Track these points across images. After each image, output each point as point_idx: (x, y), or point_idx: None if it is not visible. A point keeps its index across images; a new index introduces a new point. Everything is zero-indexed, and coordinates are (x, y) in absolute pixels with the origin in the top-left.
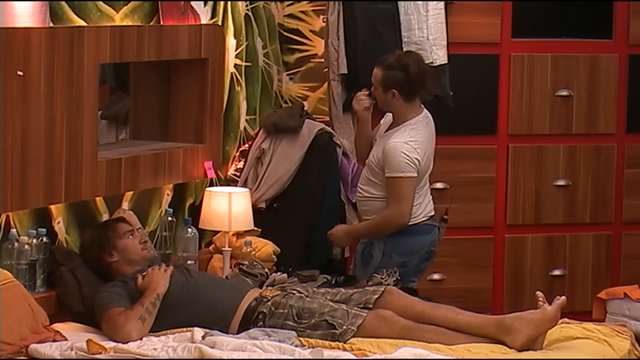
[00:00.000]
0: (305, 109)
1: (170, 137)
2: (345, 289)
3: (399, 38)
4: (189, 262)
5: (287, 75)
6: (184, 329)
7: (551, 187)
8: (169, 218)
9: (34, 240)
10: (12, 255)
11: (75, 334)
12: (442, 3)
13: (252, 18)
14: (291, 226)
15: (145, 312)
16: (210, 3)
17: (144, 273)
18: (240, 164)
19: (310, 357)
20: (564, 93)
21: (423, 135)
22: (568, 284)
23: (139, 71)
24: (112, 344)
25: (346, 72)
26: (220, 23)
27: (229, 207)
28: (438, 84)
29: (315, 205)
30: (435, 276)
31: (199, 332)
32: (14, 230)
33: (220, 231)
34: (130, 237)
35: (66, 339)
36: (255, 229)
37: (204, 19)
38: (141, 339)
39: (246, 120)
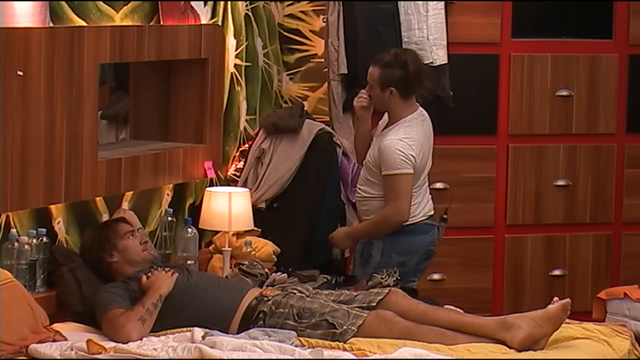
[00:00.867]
0: (305, 109)
1: (170, 137)
2: (346, 289)
3: (399, 38)
4: (189, 262)
5: (287, 75)
6: (184, 329)
7: (551, 187)
8: (169, 218)
9: (34, 240)
10: (12, 255)
11: (75, 334)
12: (442, 3)
13: (252, 18)
14: (291, 226)
15: (146, 312)
16: (210, 3)
17: (148, 273)
18: (240, 164)
19: (310, 357)
20: (564, 93)
21: (418, 132)
22: (568, 284)
23: (139, 71)
24: (112, 344)
25: (346, 72)
26: (220, 23)
27: (229, 207)
28: (438, 84)
29: (315, 205)
30: (435, 276)
31: (199, 332)
32: (14, 230)
33: (220, 231)
34: (131, 237)
35: (66, 339)
36: (255, 229)
37: (204, 19)
38: (141, 339)
39: (246, 120)
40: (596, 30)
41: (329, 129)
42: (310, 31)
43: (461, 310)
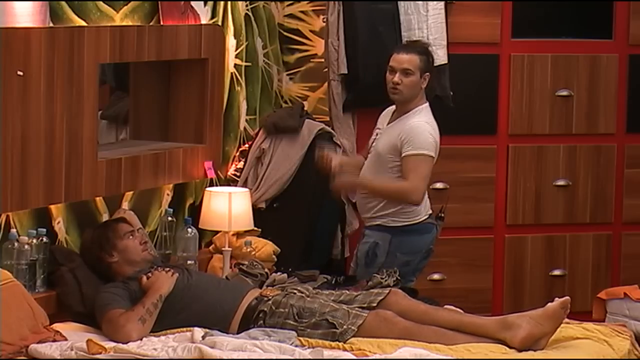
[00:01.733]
0: (305, 109)
1: (170, 137)
2: (346, 289)
3: (399, 38)
4: (189, 262)
5: (287, 75)
6: (184, 329)
7: (551, 187)
8: (169, 218)
9: (34, 240)
10: (12, 255)
11: (75, 334)
12: (442, 3)
13: (252, 18)
14: (291, 226)
15: (146, 313)
16: (210, 3)
17: (149, 273)
18: (240, 164)
19: (310, 357)
20: (564, 93)
21: (435, 122)
22: (568, 284)
23: (139, 71)
24: (112, 344)
25: (346, 72)
26: (220, 23)
27: (229, 207)
28: (438, 84)
29: (315, 205)
30: (435, 276)
31: (199, 332)
32: (14, 230)
33: (220, 231)
34: (131, 237)
35: (66, 339)
36: (255, 229)
37: (204, 19)
38: (141, 339)
39: (246, 120)
40: (596, 30)
41: (329, 129)
42: (310, 31)
43: (461, 310)
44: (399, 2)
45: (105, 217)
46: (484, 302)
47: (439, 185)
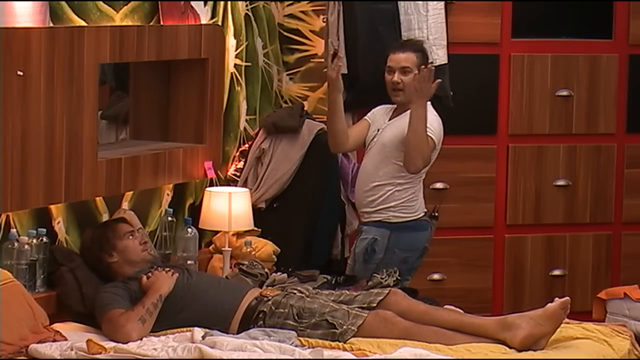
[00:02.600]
0: (305, 109)
1: (170, 137)
2: (346, 289)
3: (399, 38)
4: (188, 262)
5: (287, 75)
6: (184, 329)
7: (551, 187)
8: (169, 218)
9: (34, 240)
10: (12, 255)
11: (75, 334)
12: (442, 3)
13: (252, 18)
14: (291, 226)
15: (146, 313)
16: (210, 3)
17: (149, 273)
18: (240, 164)
19: (310, 357)
20: (564, 93)
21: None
22: (568, 284)
23: (139, 71)
24: (112, 344)
25: (346, 72)
26: (220, 23)
27: (229, 207)
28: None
29: (315, 205)
30: (435, 276)
31: (199, 332)
32: (14, 230)
33: (220, 231)
34: (131, 237)
35: (66, 339)
36: (255, 229)
37: (204, 19)
38: (141, 339)
39: (246, 120)
40: (596, 30)
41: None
42: (310, 31)
43: (461, 311)
44: (399, 2)
45: (105, 217)
46: (483, 302)
47: (438, 185)
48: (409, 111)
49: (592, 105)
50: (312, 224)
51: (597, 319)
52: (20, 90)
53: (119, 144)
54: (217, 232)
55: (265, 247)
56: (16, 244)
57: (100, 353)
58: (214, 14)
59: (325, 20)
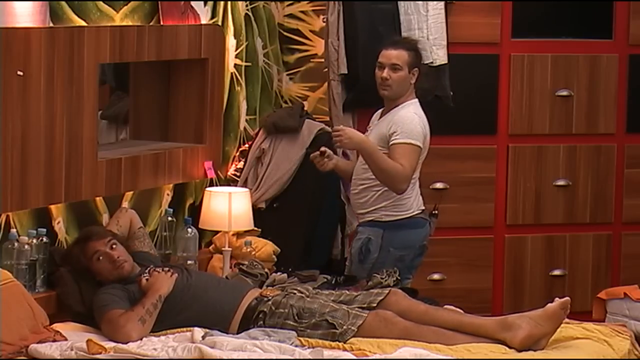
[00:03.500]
0: (305, 109)
1: (170, 137)
2: (346, 289)
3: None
4: (188, 262)
5: (287, 75)
6: (184, 329)
7: (551, 187)
8: (169, 218)
9: (34, 240)
10: (12, 255)
11: (75, 334)
12: (442, 3)
13: (252, 18)
14: (291, 226)
15: (146, 313)
16: (210, 3)
17: (146, 276)
18: (240, 164)
19: (310, 357)
20: (564, 93)
21: (424, 115)
22: (568, 284)
23: (139, 71)
24: (112, 344)
25: (346, 72)
26: (220, 23)
27: (229, 207)
28: (438, 84)
29: (315, 206)
30: (435, 276)
31: (199, 332)
32: (14, 230)
33: (220, 231)
34: (100, 259)
35: (66, 339)
36: (255, 229)
37: (204, 19)
38: (141, 339)
39: (246, 120)
40: (596, 30)
41: (329, 129)
42: (310, 31)
43: (461, 311)
44: (399, 2)
45: (105, 217)
46: (484, 302)
47: (439, 185)
48: (396, 108)
49: (592, 105)
50: (312, 224)
51: (597, 319)
52: (20, 90)
53: (119, 144)
54: (217, 232)
55: (265, 247)
56: (16, 244)
57: (100, 353)
58: (214, 14)
59: (325, 20)
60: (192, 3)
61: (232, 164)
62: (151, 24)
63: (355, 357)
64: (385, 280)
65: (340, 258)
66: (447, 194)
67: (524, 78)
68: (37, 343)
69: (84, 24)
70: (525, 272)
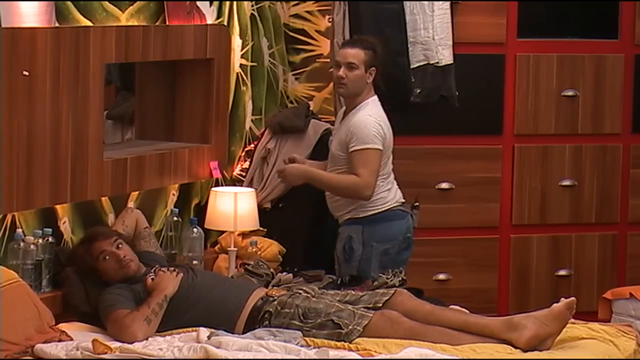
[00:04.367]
0: (311, 109)
1: (176, 137)
2: (351, 289)
3: (405, 38)
4: (194, 262)
5: (293, 75)
6: (190, 329)
7: (557, 187)
8: (175, 218)
9: (40, 240)
10: (17, 255)
11: (80, 334)
12: (448, 3)
13: (258, 18)
14: (296, 226)
15: (152, 313)
16: (215, 3)
17: (152, 275)
18: (246, 164)
19: (316, 357)
20: (570, 93)
21: (383, 113)
22: (574, 284)
23: (145, 71)
24: (118, 344)
25: None
26: (225, 23)
27: (234, 207)
28: (444, 84)
29: (321, 206)
30: (441, 276)
31: (204, 332)
32: (19, 230)
33: (226, 231)
34: (107, 258)
35: (72, 339)
36: (261, 229)
37: (210, 19)
38: (147, 339)
39: (252, 120)
40: (602, 30)
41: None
42: (316, 31)
43: (467, 311)
44: (404, 2)
45: (111, 217)
46: (489, 302)
47: (444, 185)
48: (353, 110)
49: (597, 105)
50: (318, 224)
51: (602, 319)
52: (26, 90)
53: (124, 144)
54: (222, 232)
55: (271, 247)
56: (22, 244)
57: (106, 353)
58: (219, 14)
59: (330, 20)
60: (198, 3)
61: (237, 164)
62: (157, 24)
63: (360, 357)
64: (391, 280)
65: None
66: (453, 194)
67: (530, 78)
68: (43, 343)
69: (89, 24)
70: (531, 272)
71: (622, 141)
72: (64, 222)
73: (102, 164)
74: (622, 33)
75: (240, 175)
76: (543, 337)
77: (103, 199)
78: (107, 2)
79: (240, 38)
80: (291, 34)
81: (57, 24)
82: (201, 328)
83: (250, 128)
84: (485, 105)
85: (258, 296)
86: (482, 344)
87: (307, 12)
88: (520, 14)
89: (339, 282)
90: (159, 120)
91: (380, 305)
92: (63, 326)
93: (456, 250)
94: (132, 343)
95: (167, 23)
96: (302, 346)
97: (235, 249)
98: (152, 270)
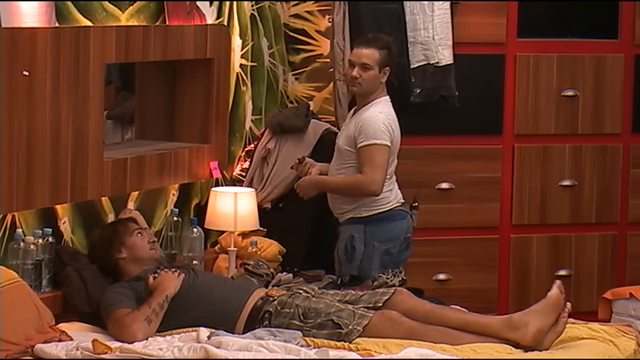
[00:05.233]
0: (311, 109)
1: (176, 137)
2: (351, 289)
3: (405, 38)
4: (194, 262)
5: (293, 75)
6: (190, 329)
7: (557, 187)
8: (175, 218)
9: (40, 240)
10: (18, 255)
11: (81, 334)
12: (448, 3)
13: (258, 18)
14: (296, 226)
15: (152, 313)
16: (215, 3)
17: (155, 275)
18: (246, 164)
19: (316, 357)
20: (570, 93)
21: (393, 112)
22: (574, 284)
23: (145, 71)
24: (118, 344)
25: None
26: (225, 23)
27: (234, 207)
28: (444, 84)
29: (321, 206)
30: (441, 276)
31: (204, 332)
32: (19, 230)
33: (226, 231)
34: (139, 235)
35: (72, 339)
36: (261, 229)
37: (210, 19)
38: (147, 339)
39: (252, 120)
40: (602, 30)
41: (335, 129)
42: (316, 31)
43: (467, 310)
44: (404, 2)
45: (111, 217)
46: (489, 302)
47: (444, 185)
48: (364, 107)
49: (597, 105)
50: (318, 224)
51: (602, 319)
52: (26, 90)
53: (124, 144)
54: (222, 232)
55: (271, 247)
56: (22, 244)
57: (106, 353)
58: (219, 14)
59: (330, 20)
60: (198, 3)
61: (237, 164)
62: (157, 24)
63: (360, 357)
64: (391, 280)
65: None
66: (453, 194)
67: (530, 78)
68: (43, 343)
69: (89, 24)
70: (531, 272)
71: (622, 141)
72: (64, 222)
73: (102, 164)
74: (622, 33)
75: (240, 175)
76: (546, 328)
77: (103, 199)
78: (107, 2)
79: (240, 38)
80: (291, 34)
81: (57, 24)
82: (201, 328)
83: (250, 128)
84: (485, 105)
85: (258, 296)
86: (483, 343)
87: (307, 12)
88: (520, 14)
89: (339, 282)
90: (159, 120)
91: (380, 305)
92: (63, 326)
93: (456, 250)
94: (132, 343)
95: (167, 23)
96: (302, 346)
97: (235, 249)
98: (155, 270)
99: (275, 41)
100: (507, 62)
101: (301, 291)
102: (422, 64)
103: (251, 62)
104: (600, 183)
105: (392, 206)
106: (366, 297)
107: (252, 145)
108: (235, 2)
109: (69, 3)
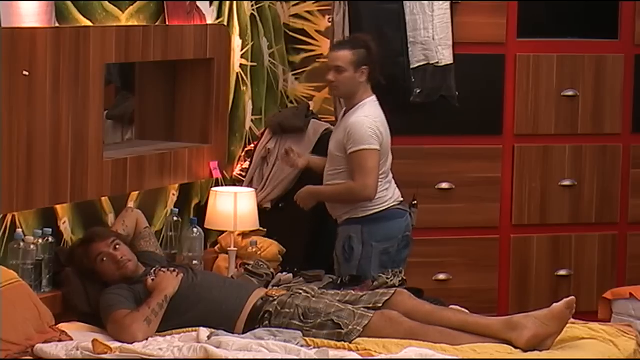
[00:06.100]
0: (311, 109)
1: (176, 137)
2: (351, 289)
3: (405, 38)
4: (194, 262)
5: (293, 75)
6: (190, 329)
7: (557, 187)
8: (175, 218)
9: (40, 240)
10: (18, 255)
11: (81, 334)
12: (448, 3)
13: (258, 18)
14: (296, 226)
15: (152, 313)
16: (216, 3)
17: (152, 276)
18: (246, 164)
19: (316, 357)
20: (570, 93)
21: (381, 113)
22: (574, 284)
23: (145, 71)
24: (118, 344)
25: None
26: (226, 23)
27: (234, 207)
28: (444, 84)
29: (321, 206)
30: (441, 276)
31: (204, 332)
32: (19, 230)
33: (226, 231)
34: (104, 260)
35: (72, 339)
36: (261, 229)
37: (210, 19)
38: (147, 339)
39: (252, 120)
40: (602, 30)
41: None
42: (316, 31)
43: (467, 311)
44: (404, 2)
45: (111, 217)
46: (489, 302)
47: (444, 185)
48: (351, 110)
49: (597, 106)
50: (318, 224)
51: (602, 319)
52: (26, 90)
53: (124, 144)
54: (222, 232)
55: (271, 247)
56: (22, 244)
57: (106, 353)
58: (219, 14)
59: (330, 20)
60: (198, 3)
61: (237, 164)
62: (157, 24)
63: (360, 357)
64: (391, 280)
65: None
66: (453, 194)
67: (530, 78)
68: (43, 343)
69: (89, 24)
70: (531, 272)
71: (622, 141)
72: (64, 222)
73: (102, 164)
74: (622, 33)
75: (240, 175)
76: (543, 337)
77: (103, 199)
78: (107, 2)
79: (240, 38)
80: (291, 34)
81: (57, 24)
82: (201, 328)
83: (250, 128)
84: (485, 105)
85: (258, 296)
86: (482, 344)
87: (307, 12)
88: (520, 14)
89: (339, 282)
90: (159, 120)
91: (380, 305)
92: (63, 326)
93: (456, 250)
94: (132, 343)
95: (167, 23)
96: (302, 346)
97: (235, 249)
98: (153, 271)
99: (275, 41)
100: (507, 62)
101: (301, 291)
102: (422, 64)
103: (251, 62)
104: (600, 183)
105: (389, 205)
106: (366, 298)
107: (252, 145)
108: (235, 2)
109: (69, 3)
